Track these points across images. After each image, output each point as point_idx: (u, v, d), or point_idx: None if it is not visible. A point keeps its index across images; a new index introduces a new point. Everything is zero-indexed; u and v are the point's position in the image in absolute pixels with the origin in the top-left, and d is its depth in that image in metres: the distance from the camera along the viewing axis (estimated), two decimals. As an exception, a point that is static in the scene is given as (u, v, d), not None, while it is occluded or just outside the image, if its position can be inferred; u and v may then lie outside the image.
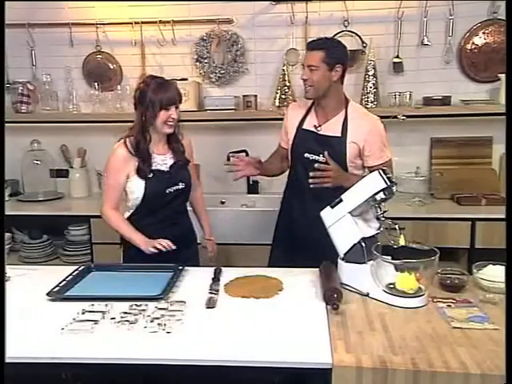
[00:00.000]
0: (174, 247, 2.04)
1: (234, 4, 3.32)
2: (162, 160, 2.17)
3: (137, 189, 2.12)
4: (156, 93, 2.05)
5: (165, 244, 2.03)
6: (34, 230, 3.31)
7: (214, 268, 2.00)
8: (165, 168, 2.17)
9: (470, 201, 3.03)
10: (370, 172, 2.03)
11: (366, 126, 2.22)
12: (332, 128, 2.25)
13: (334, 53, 2.20)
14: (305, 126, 2.32)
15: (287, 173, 2.47)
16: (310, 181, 2.13)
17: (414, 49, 3.27)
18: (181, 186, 2.19)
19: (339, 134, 2.23)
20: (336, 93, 2.26)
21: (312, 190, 2.18)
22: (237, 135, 3.44)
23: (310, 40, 2.34)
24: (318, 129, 2.28)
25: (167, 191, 2.15)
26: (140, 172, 2.11)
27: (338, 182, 2.11)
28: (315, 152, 2.24)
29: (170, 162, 2.19)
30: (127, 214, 2.21)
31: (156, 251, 2.03)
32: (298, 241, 2.35)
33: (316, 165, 2.14)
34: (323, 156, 2.19)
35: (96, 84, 3.46)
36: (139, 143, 2.11)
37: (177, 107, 2.10)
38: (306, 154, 2.27)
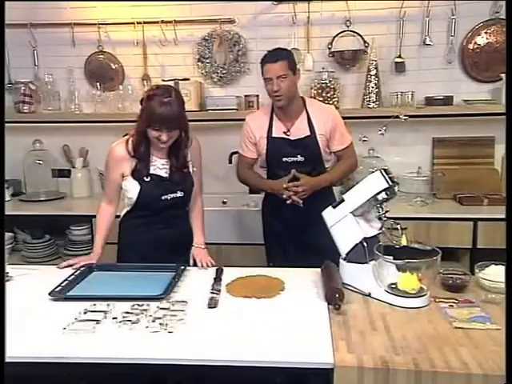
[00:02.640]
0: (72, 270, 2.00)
1: (235, 4, 3.32)
2: (163, 164, 2.11)
3: (131, 190, 2.09)
4: (151, 112, 1.95)
5: (66, 264, 2.06)
6: (36, 230, 3.32)
7: (215, 268, 2.00)
8: (164, 173, 2.10)
9: (472, 201, 3.02)
10: (336, 156, 2.58)
11: (327, 118, 2.46)
12: (300, 129, 2.45)
13: (292, 59, 2.40)
14: (274, 134, 2.48)
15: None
16: (288, 202, 2.36)
17: (415, 49, 3.27)
18: (179, 194, 2.12)
19: (308, 133, 2.44)
20: (297, 94, 2.47)
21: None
22: (238, 135, 3.43)
23: (266, 53, 2.42)
24: (288, 134, 2.46)
25: (163, 197, 2.09)
26: (135, 174, 2.07)
27: (312, 190, 2.38)
28: (292, 155, 2.45)
29: (168, 170, 2.13)
30: (124, 211, 2.21)
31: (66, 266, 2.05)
32: (295, 237, 2.49)
33: (284, 185, 2.36)
34: (301, 156, 2.43)
35: (98, 84, 3.47)
36: (139, 145, 2.06)
37: (171, 130, 1.98)
38: (284, 159, 2.46)
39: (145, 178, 2.07)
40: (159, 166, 2.10)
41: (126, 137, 2.12)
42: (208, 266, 2.07)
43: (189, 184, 2.17)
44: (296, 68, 2.41)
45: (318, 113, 2.47)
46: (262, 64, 2.39)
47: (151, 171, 2.09)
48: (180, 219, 2.22)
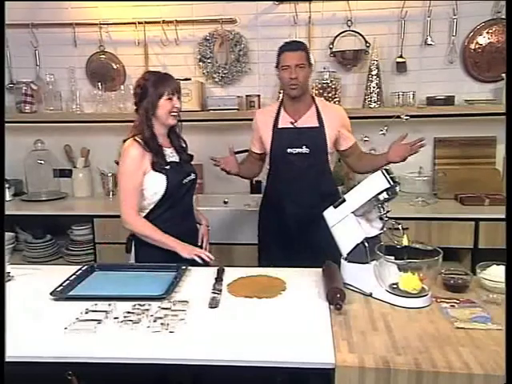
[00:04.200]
0: (213, 259, 2.05)
1: (237, 4, 3.32)
2: (171, 152, 2.19)
3: (157, 183, 2.09)
4: (157, 84, 2.08)
5: (205, 257, 2.04)
6: (38, 230, 3.33)
7: (216, 268, 2.00)
8: (175, 159, 2.19)
9: (474, 201, 3.02)
10: (342, 156, 2.60)
11: (337, 115, 2.48)
12: (308, 121, 2.44)
13: (309, 52, 2.42)
14: (280, 125, 2.46)
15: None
16: None
17: (417, 48, 3.27)
18: (193, 176, 2.22)
19: (317, 125, 2.42)
20: (309, 89, 2.52)
21: (299, 184, 2.42)
22: (240, 135, 3.43)
23: (285, 43, 2.43)
24: (295, 124, 2.44)
25: (184, 181, 2.16)
26: (156, 166, 2.09)
27: None
28: (297, 145, 2.41)
29: (177, 155, 2.21)
30: (143, 214, 2.15)
31: (197, 259, 2.03)
32: (294, 236, 2.45)
33: None
34: (306, 147, 2.40)
35: (99, 84, 3.47)
36: (149, 138, 2.10)
37: (179, 97, 2.13)
38: (289, 150, 2.43)
39: (166, 167, 2.12)
40: (169, 154, 2.18)
41: (129, 140, 2.11)
42: (208, 259, 2.07)
43: (194, 167, 2.28)
44: (310, 62, 2.43)
45: (327, 108, 2.49)
46: (280, 52, 2.39)
47: (167, 159, 2.15)
48: (191, 212, 2.30)
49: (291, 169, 2.43)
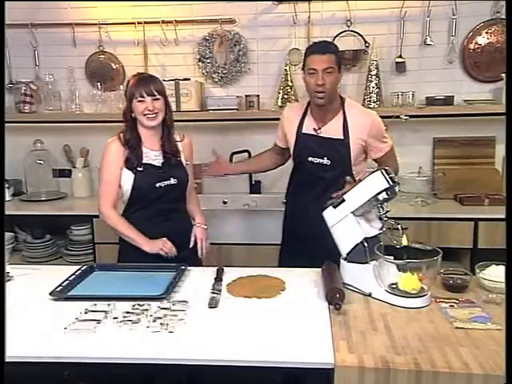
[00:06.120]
0: (175, 254, 2.07)
1: (236, 4, 3.32)
2: (155, 155, 2.17)
3: (126, 180, 2.13)
4: (132, 86, 2.09)
5: (167, 250, 2.06)
6: (37, 230, 3.32)
7: (216, 268, 2.00)
8: (157, 163, 2.16)
9: (473, 201, 3.02)
10: (376, 163, 2.28)
11: (366, 125, 2.22)
12: (333, 130, 2.25)
13: (339, 55, 2.22)
14: (304, 130, 2.32)
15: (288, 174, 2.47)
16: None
17: (416, 49, 3.26)
18: (172, 181, 2.17)
19: (342, 137, 2.23)
20: (338, 94, 2.29)
21: (314, 192, 2.24)
22: (239, 135, 3.45)
23: (314, 44, 2.30)
24: (318, 131, 2.28)
25: (157, 185, 2.14)
26: (128, 162, 2.12)
27: None
28: (318, 155, 2.26)
29: (163, 159, 2.19)
30: (122, 211, 2.21)
31: (161, 252, 2.06)
32: (302, 242, 2.34)
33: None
34: (327, 159, 2.23)
35: (99, 84, 3.46)
36: (127, 135, 2.14)
37: (156, 99, 2.08)
38: (310, 158, 2.29)
39: (138, 168, 2.12)
40: (152, 157, 2.17)
41: (115, 136, 2.18)
42: (202, 254, 2.16)
43: (182, 172, 2.22)
44: (341, 66, 2.22)
45: (356, 117, 2.24)
46: (307, 54, 2.20)
47: (144, 161, 2.14)
48: (178, 213, 2.25)
49: (310, 178, 2.30)
